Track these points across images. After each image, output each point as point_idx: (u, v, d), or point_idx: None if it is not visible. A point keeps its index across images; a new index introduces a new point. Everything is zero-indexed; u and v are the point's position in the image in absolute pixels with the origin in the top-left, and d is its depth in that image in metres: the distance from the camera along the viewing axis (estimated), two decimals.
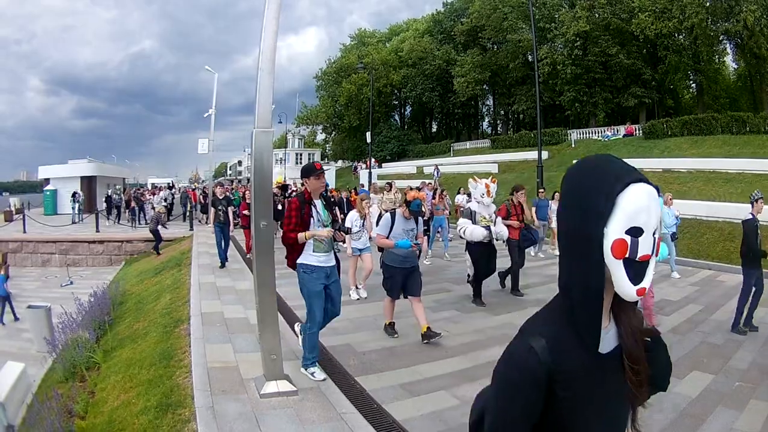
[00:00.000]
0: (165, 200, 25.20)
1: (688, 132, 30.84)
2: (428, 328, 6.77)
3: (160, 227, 19.45)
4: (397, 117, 68.76)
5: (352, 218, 9.68)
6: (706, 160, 23.65)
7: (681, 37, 39.58)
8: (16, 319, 13.48)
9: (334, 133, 68.93)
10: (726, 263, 13.44)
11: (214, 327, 7.25)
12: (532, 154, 30.98)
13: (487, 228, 8.78)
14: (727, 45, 41.56)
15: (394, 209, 7.25)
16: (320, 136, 76.14)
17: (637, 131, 35.62)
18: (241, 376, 5.48)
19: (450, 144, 53.65)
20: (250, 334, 6.74)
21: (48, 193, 35.59)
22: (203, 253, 14.73)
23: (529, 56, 44.98)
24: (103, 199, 31.71)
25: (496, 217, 9.25)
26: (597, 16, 41.59)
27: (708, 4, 35.97)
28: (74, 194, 30.04)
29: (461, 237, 9.16)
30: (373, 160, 44.53)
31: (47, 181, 36.67)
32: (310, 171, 5.54)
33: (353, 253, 9.68)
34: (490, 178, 9.65)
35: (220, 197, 13.32)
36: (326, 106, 63.13)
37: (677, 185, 20.91)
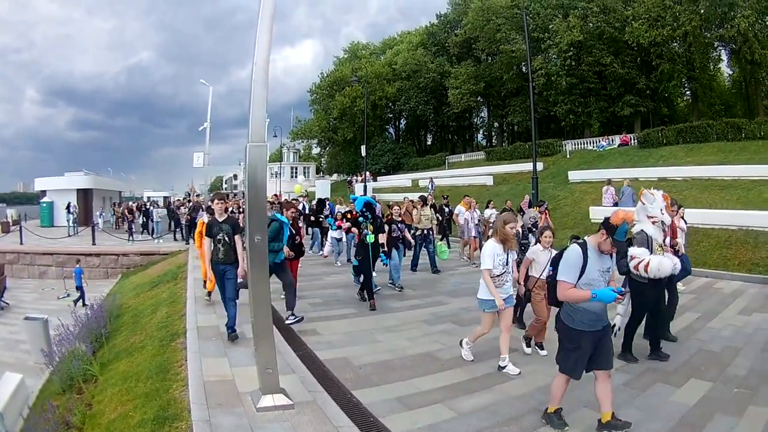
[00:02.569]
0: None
1: (683, 140, 30.93)
2: (613, 415, 4.75)
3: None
4: (391, 130, 68.97)
5: (495, 251, 6.28)
6: (701, 167, 23.74)
7: (675, 44, 39.83)
8: None
9: (328, 146, 69.00)
10: (723, 271, 13.48)
11: (210, 341, 7.24)
12: (527, 166, 31.01)
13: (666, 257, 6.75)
14: (722, 51, 41.90)
15: (584, 241, 4.75)
16: (315, 150, 76.38)
17: (633, 141, 35.69)
18: (238, 390, 5.47)
19: (445, 156, 53.73)
20: (246, 348, 6.73)
21: (44, 205, 35.72)
22: (199, 268, 14.71)
23: (523, 67, 45.09)
24: (124, 210, 31.33)
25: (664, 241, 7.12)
26: (591, 25, 41.84)
27: (702, 10, 36.16)
28: (68, 206, 30.05)
29: (636, 274, 6.76)
30: (368, 173, 44.55)
31: (43, 193, 36.76)
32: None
33: (485, 309, 6.43)
34: (650, 189, 7.46)
35: (220, 219, 7.71)
36: (320, 120, 63.24)
37: (673, 194, 20.91)
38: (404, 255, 13.05)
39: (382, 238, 10.60)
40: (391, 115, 66.47)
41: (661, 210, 6.95)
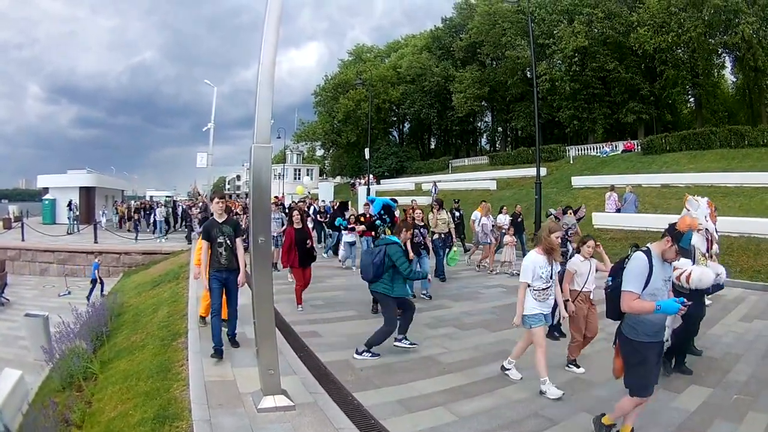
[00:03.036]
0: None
1: (686, 147, 30.95)
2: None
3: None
4: (395, 133, 69.19)
5: (537, 263, 5.87)
6: (704, 174, 23.70)
7: (679, 50, 39.84)
8: None
9: (332, 149, 69.12)
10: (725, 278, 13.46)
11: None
12: (530, 171, 31.03)
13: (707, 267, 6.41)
14: (726, 58, 41.84)
15: (647, 249, 4.46)
16: (319, 152, 76.49)
17: (636, 147, 35.69)
18: (239, 391, 5.48)
19: (448, 160, 53.77)
20: (248, 349, 6.73)
21: (47, 202, 35.72)
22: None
23: (528, 72, 45.12)
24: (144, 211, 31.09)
25: (709, 250, 6.70)
26: (595, 31, 41.74)
27: (706, 17, 36.12)
28: (70, 203, 30.05)
29: (678, 285, 6.24)
30: (371, 176, 44.57)
31: (46, 190, 36.76)
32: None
33: (531, 326, 5.92)
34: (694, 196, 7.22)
35: (220, 220, 6.89)
36: (324, 122, 63.39)
37: (675, 201, 20.93)
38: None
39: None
40: (395, 119, 66.68)
41: (705, 217, 6.71)
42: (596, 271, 6.83)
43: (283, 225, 14.07)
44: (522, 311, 5.87)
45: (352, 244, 14.56)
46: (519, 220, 16.41)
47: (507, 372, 6.32)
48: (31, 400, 7.90)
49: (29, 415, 6.74)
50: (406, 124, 68.41)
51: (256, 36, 5.03)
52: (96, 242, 23.02)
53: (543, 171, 27.97)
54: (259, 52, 4.98)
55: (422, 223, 11.13)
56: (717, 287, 7.20)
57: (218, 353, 6.51)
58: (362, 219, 14.47)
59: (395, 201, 12.28)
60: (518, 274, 6.36)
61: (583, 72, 42.92)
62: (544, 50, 43.08)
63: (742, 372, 6.56)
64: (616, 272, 4.68)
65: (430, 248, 11.90)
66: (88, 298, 16.42)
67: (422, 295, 10.81)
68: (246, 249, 6.88)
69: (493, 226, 15.07)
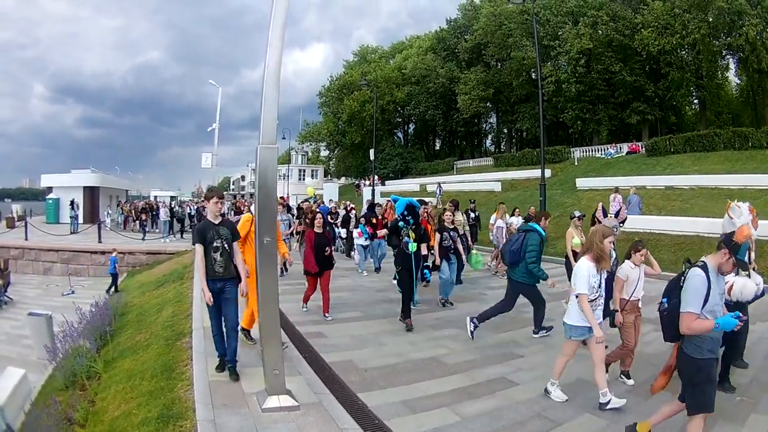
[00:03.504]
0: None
1: (690, 149, 30.94)
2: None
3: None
4: (400, 134, 69.26)
5: (591, 271, 5.41)
6: (708, 176, 23.72)
7: (683, 52, 39.99)
8: None
9: (337, 149, 69.20)
10: None
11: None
12: (535, 173, 30.82)
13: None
14: (730, 60, 41.97)
15: (703, 263, 4.25)
16: (324, 153, 76.59)
17: (641, 149, 35.71)
18: (243, 390, 5.48)
19: (453, 162, 53.86)
20: (252, 349, 6.73)
21: (51, 201, 35.84)
22: None
23: (533, 74, 45.13)
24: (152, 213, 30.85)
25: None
26: (600, 32, 41.84)
27: (710, 19, 36.12)
28: (72, 202, 30.07)
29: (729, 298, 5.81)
30: (376, 177, 44.56)
31: (50, 189, 36.84)
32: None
33: (571, 336, 5.62)
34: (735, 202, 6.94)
35: (215, 222, 6.00)
36: (329, 123, 63.56)
37: (680, 202, 20.94)
38: (462, 267, 11.49)
39: (425, 248, 9.38)
40: (400, 120, 66.76)
41: (748, 224, 6.11)
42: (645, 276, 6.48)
43: (290, 226, 13.95)
44: (596, 324, 5.30)
45: (365, 247, 14.27)
46: None
47: (550, 395, 5.70)
48: (34, 399, 7.91)
49: (32, 413, 6.75)
50: (410, 126, 68.57)
51: (262, 36, 5.03)
52: (100, 242, 23.08)
53: (548, 172, 27.92)
54: (264, 53, 4.97)
55: (452, 226, 10.51)
56: (757, 297, 6.70)
57: (230, 370, 5.93)
58: (374, 221, 14.08)
59: (425, 203, 11.41)
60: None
61: (588, 73, 43.04)
62: (549, 52, 43.16)
63: (745, 374, 6.53)
64: (671, 291, 4.42)
65: (462, 252, 10.91)
66: (107, 291, 16.80)
67: (441, 302, 10.29)
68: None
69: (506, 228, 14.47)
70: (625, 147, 37.80)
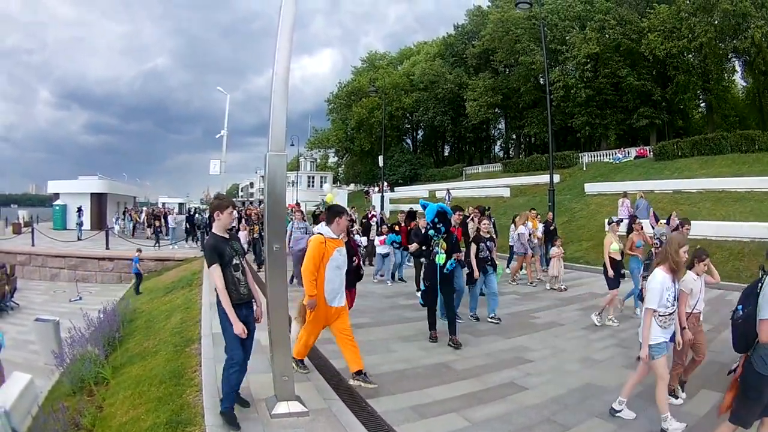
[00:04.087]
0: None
1: (698, 152, 30.78)
2: None
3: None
4: (409, 140, 69.43)
5: (665, 284, 5.01)
6: (715, 180, 23.61)
7: (690, 56, 39.91)
8: None
9: (345, 156, 69.37)
10: (736, 282, 13.30)
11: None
12: (544, 178, 30.80)
13: None
14: (736, 62, 41.90)
15: None
16: (332, 159, 76.76)
17: (649, 153, 35.63)
18: (252, 396, 5.46)
19: (462, 168, 53.83)
20: (262, 355, 6.71)
21: (57, 208, 36.01)
22: None
23: (541, 79, 45.09)
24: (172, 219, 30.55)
25: None
26: (607, 37, 41.86)
27: (716, 22, 36.05)
28: (79, 209, 30.14)
29: None
30: (385, 183, 44.57)
31: (57, 195, 37.02)
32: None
33: (654, 356, 5.01)
34: None
35: (226, 235, 5.08)
36: (337, 130, 63.70)
37: (687, 206, 20.85)
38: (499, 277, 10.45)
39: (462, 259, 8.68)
40: (409, 126, 66.96)
41: None
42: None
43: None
44: (646, 344, 4.95)
45: (385, 255, 13.89)
46: (552, 228, 15.83)
47: (619, 414, 5.31)
48: (41, 404, 7.92)
49: (38, 418, 6.76)
50: (419, 132, 68.80)
51: (270, 42, 5.03)
52: (108, 248, 23.13)
53: (556, 178, 27.93)
54: (272, 59, 4.97)
55: (488, 235, 9.74)
56: None
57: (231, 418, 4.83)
58: (396, 228, 13.85)
59: (461, 208, 10.52)
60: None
61: (595, 78, 42.99)
62: (556, 56, 43.24)
63: None
64: (747, 298, 4.18)
65: (497, 262, 10.11)
66: (136, 291, 17.00)
67: (470, 317, 9.62)
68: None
69: (530, 235, 14.21)
70: (633, 151, 37.74)
